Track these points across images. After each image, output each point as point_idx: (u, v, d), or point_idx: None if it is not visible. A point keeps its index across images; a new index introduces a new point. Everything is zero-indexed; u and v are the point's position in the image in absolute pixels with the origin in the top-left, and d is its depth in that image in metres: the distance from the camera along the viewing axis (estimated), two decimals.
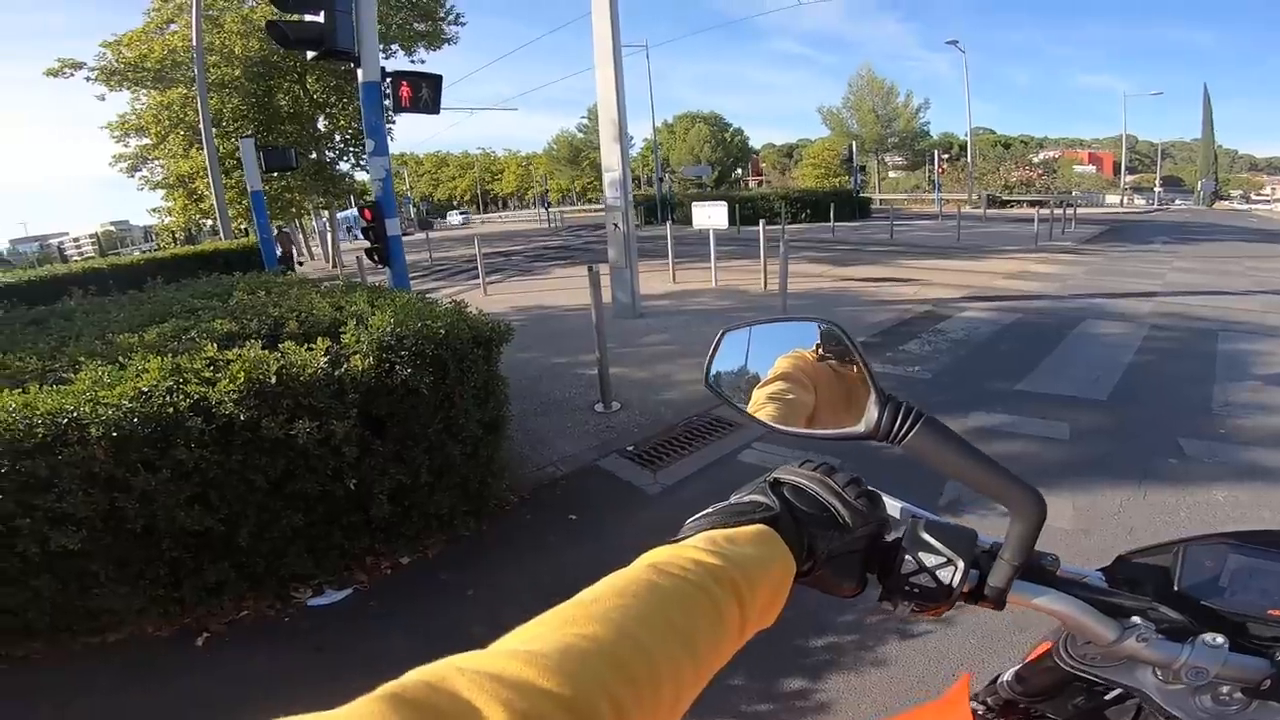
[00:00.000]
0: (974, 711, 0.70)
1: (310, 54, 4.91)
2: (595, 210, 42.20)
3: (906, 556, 0.52)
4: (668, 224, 11.04)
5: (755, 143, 68.28)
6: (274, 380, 2.30)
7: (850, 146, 29.45)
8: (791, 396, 0.58)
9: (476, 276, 10.63)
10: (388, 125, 17.23)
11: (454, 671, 0.28)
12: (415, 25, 16.14)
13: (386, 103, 5.20)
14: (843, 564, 0.51)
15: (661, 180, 27.36)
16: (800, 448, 2.56)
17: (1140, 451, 3.58)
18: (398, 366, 2.52)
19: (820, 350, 0.60)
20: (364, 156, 12.93)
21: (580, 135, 54.16)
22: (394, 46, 15.94)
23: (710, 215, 9.10)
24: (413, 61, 16.70)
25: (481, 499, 3.13)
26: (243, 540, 2.39)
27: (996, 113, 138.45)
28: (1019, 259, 11.96)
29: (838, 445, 0.63)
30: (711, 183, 44.25)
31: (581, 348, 5.74)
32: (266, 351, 2.40)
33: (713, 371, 0.61)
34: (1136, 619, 0.54)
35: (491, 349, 2.98)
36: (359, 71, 4.89)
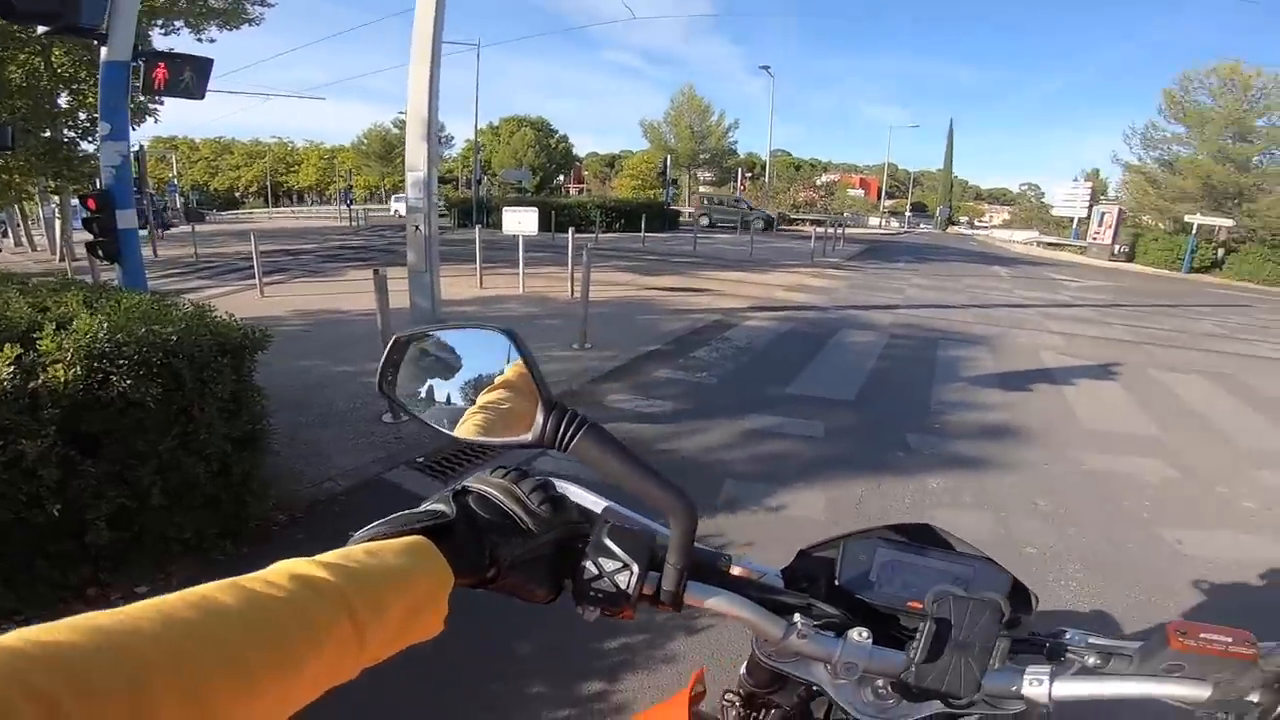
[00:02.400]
0: (727, 702, 0.73)
1: (42, 28, 4.16)
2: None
3: (588, 563, 0.53)
4: (478, 227, 10.76)
5: (580, 150, 69.14)
6: None
7: (665, 160, 31.08)
8: (507, 406, 0.57)
9: (253, 276, 9.50)
10: (154, 105, 14.91)
11: None
12: (211, 2, 14.24)
13: (136, 84, 4.54)
14: (530, 570, 0.52)
15: (479, 183, 26.62)
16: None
17: (877, 446, 4.21)
18: (114, 377, 2.17)
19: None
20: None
21: (395, 130, 51.14)
22: (177, 23, 14.01)
23: (521, 221, 9.06)
24: (200, 39, 14.79)
25: (238, 519, 2.81)
26: None
27: (795, 135, 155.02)
28: (798, 273, 13.51)
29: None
30: (533, 188, 43.90)
31: (370, 355, 5.35)
32: None
33: (388, 376, 0.60)
34: (798, 616, 0.56)
35: (243, 357, 2.69)
36: (103, 50, 4.21)
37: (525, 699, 2.08)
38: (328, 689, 0.38)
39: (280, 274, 11.59)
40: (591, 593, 0.53)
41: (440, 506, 0.50)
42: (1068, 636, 0.59)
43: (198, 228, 19.89)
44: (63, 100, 13.47)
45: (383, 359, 0.59)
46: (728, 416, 4.56)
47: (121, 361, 2.19)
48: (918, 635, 0.55)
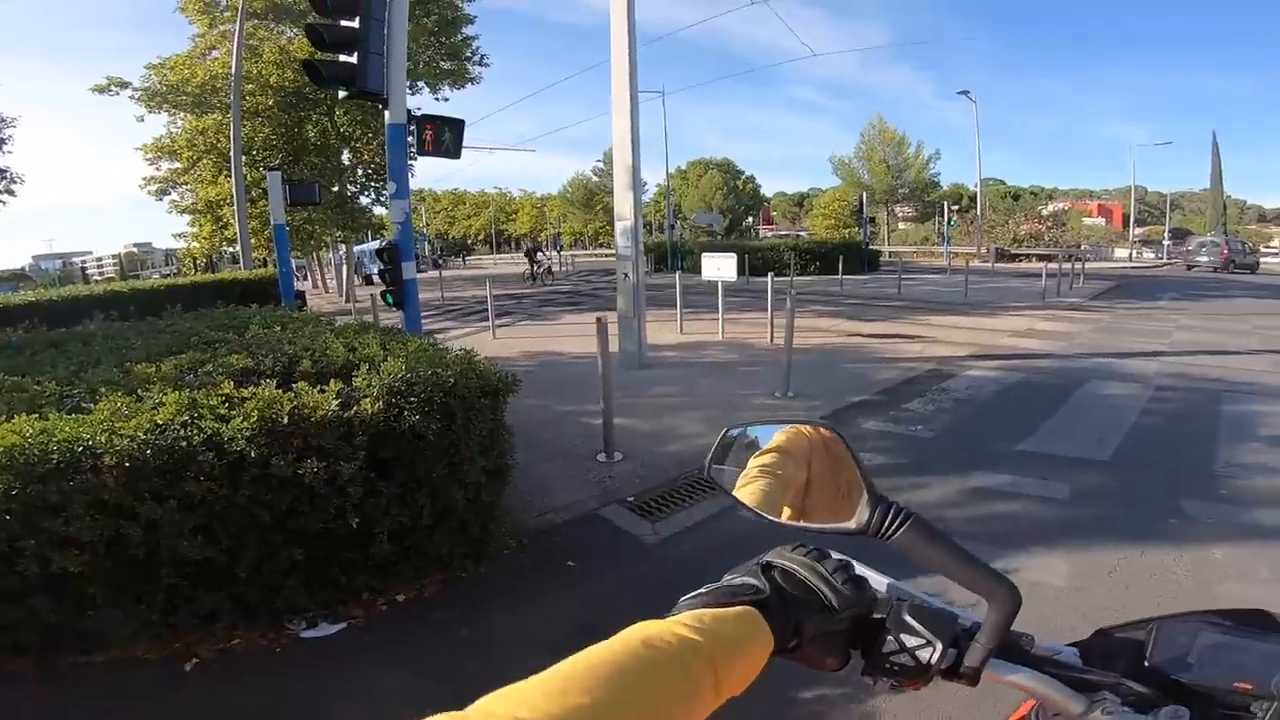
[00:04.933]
0: None
1: (342, 93, 5.16)
2: (605, 255, 42.75)
3: (889, 637, 0.55)
4: (677, 274, 11.20)
5: (767, 190, 69.14)
6: (286, 420, 2.38)
7: (860, 197, 30.00)
8: (780, 472, 0.63)
9: (486, 318, 10.81)
10: (411, 163, 17.88)
11: None
12: (442, 64, 16.78)
13: (410, 143, 5.38)
14: (828, 643, 0.55)
15: (673, 228, 27.91)
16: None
17: (1140, 511, 3.58)
18: (406, 412, 2.59)
19: (820, 430, 0.65)
20: (384, 192, 13.79)
21: (595, 179, 54.66)
22: (420, 84, 16.42)
23: (719, 267, 9.27)
24: (437, 99, 17.28)
25: (481, 542, 3.16)
26: (241, 571, 2.43)
27: (1007, 162, 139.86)
28: (1026, 316, 12.03)
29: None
30: (723, 230, 44.72)
31: (587, 396, 5.80)
32: (280, 391, 2.49)
33: (719, 466, 0.67)
34: (1105, 693, 0.55)
35: (498, 399, 3.06)
36: (386, 113, 5.08)
37: None
38: None
39: (507, 317, 13.06)
40: (889, 665, 0.55)
41: (753, 580, 0.54)
42: None
43: (442, 273, 23.24)
44: (345, 157, 16.68)
45: (714, 447, 0.65)
46: (948, 474, 4.15)
47: (413, 399, 2.60)
48: (1260, 714, 0.53)
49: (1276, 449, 4.54)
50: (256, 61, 14.02)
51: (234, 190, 13.76)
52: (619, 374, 7.18)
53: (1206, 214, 56.80)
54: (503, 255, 61.79)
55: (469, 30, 16.80)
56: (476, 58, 17.16)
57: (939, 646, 0.54)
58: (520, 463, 4.32)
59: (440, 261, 42.48)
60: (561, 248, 37.83)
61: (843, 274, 20.22)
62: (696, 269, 14.69)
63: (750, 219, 56.98)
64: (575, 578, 3.15)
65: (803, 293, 16.71)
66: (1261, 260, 34.01)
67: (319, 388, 2.56)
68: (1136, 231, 52.06)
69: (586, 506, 3.95)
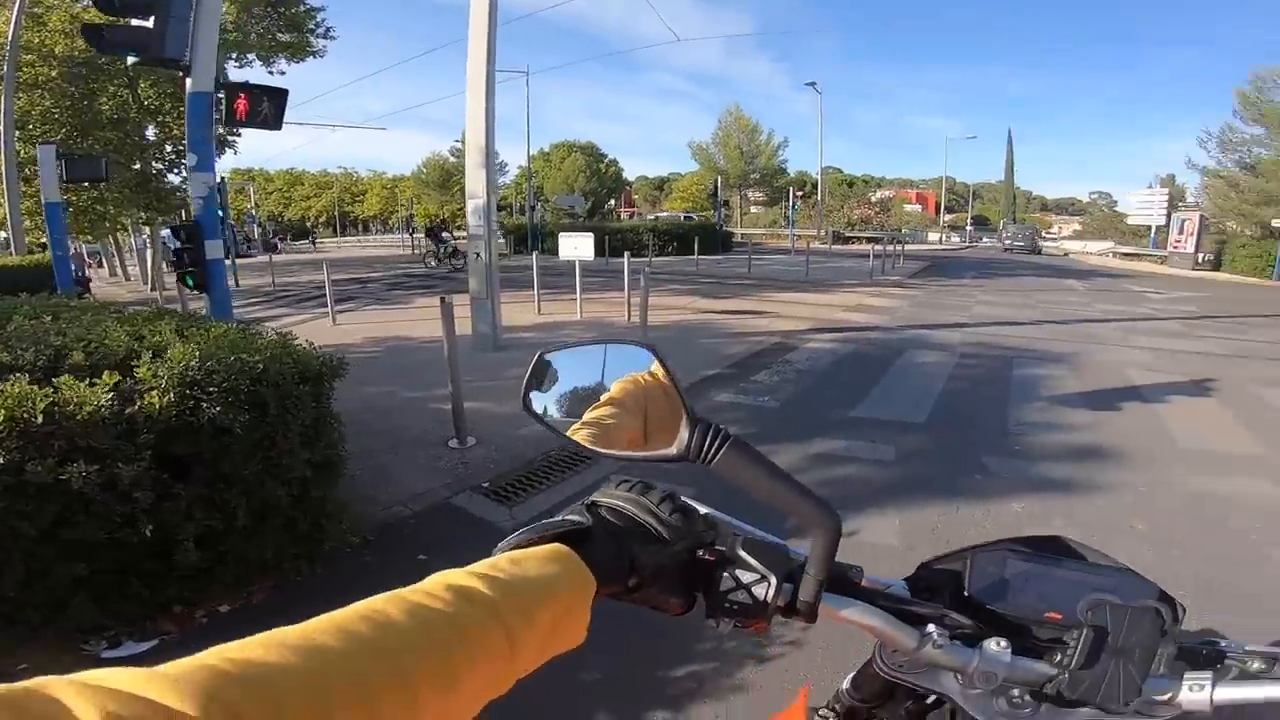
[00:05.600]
0: (822, 718, 0.74)
1: (131, 59, 4.54)
2: (463, 238, 41.00)
3: (724, 574, 0.53)
4: (534, 255, 10.98)
5: (630, 174, 69.90)
6: (41, 420, 1.98)
7: (715, 181, 31.18)
8: (612, 421, 0.59)
9: (325, 304, 9.95)
10: (232, 137, 15.95)
11: (62, 681, 0.27)
12: (279, 35, 15.25)
13: (218, 115, 4.80)
14: (666, 581, 0.53)
15: (534, 209, 27.35)
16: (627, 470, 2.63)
17: (952, 470, 4.01)
18: (205, 404, 2.27)
19: (653, 373, 0.60)
20: None
21: (452, 159, 52.62)
22: (250, 56, 15.08)
23: (576, 246, 9.19)
24: (271, 73, 15.78)
25: (314, 541, 2.88)
26: (9, 591, 2.03)
27: (845, 152, 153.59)
28: (857, 293, 13.20)
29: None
30: (585, 213, 44.68)
31: (437, 381, 5.51)
32: (35, 387, 2.07)
33: (530, 393, 0.62)
34: (932, 626, 0.56)
35: (322, 385, 2.77)
36: (188, 81, 4.50)
37: None
38: (485, 704, 0.38)
39: (350, 302, 12.11)
40: (728, 604, 0.53)
41: (576, 517, 0.51)
42: (1223, 644, 0.58)
43: (274, 257, 21.04)
44: (150, 133, 14.61)
45: (526, 376, 0.60)
46: (792, 441, 4.43)
47: (212, 389, 2.28)
48: (1071, 644, 0.55)
49: (1055, 407, 5.32)
50: (40, 30, 11.84)
51: (3, 168, 11.54)
52: (473, 357, 6.92)
53: (1001, 203, 65.54)
54: (346, 239, 57.43)
55: (314, 1, 15.32)
56: (321, 30, 15.63)
57: (773, 580, 0.53)
58: (361, 453, 4.00)
59: (274, 244, 38.67)
60: (414, 229, 35.53)
61: (698, 254, 20.97)
62: (557, 250, 14.61)
63: (613, 202, 57.33)
64: (427, 571, 2.95)
65: (660, 273, 17.16)
66: (1042, 244, 41.23)
67: (89, 381, 2.16)
68: (946, 218, 58.84)
69: (438, 496, 3.74)
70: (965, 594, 0.61)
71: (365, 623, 0.35)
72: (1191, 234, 26.66)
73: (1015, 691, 0.57)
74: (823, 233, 39.87)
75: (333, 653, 0.32)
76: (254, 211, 52.75)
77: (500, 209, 51.92)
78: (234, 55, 14.78)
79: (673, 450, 0.54)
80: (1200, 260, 26.42)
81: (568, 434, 0.60)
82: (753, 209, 57.80)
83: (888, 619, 0.56)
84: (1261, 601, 2.59)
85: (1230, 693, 0.53)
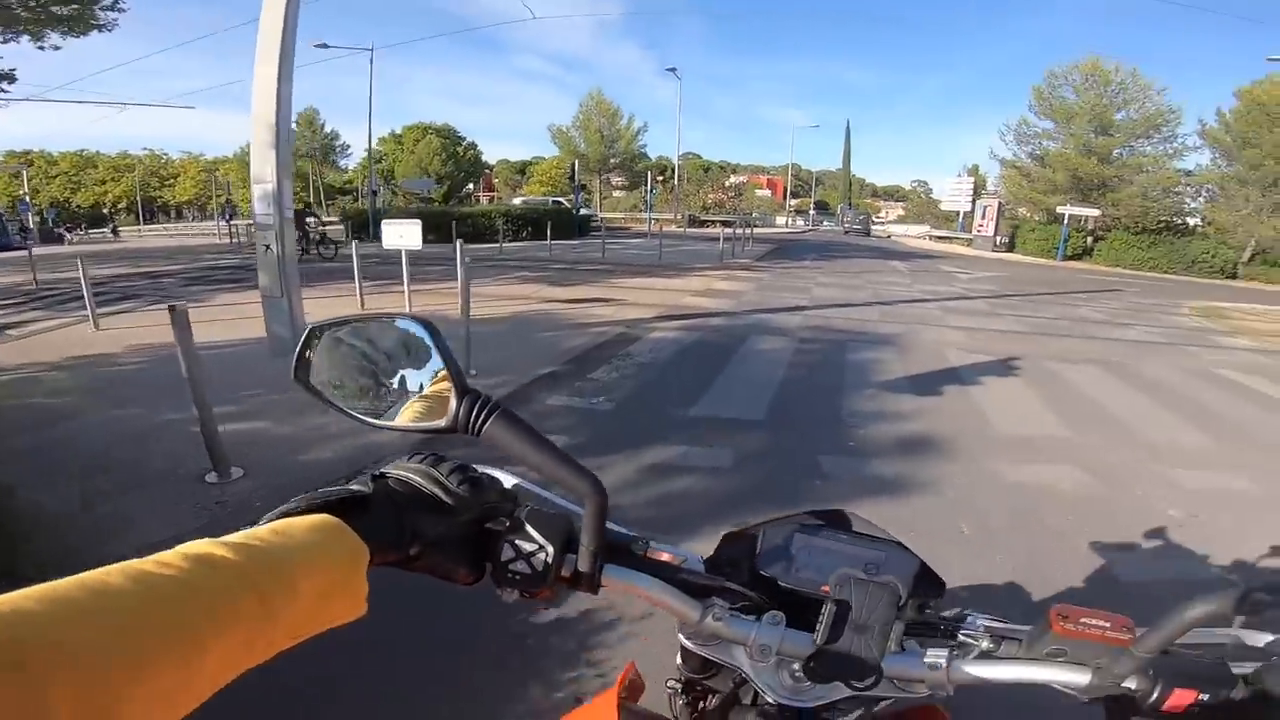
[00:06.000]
0: (670, 690, 0.71)
1: None
2: (331, 222, 37.23)
3: (506, 544, 0.54)
4: (354, 243, 9.77)
5: (491, 158, 68.16)
6: None
7: (573, 165, 30.50)
8: (426, 395, 0.57)
9: (106, 304, 8.20)
10: None
11: None
12: (54, 8, 12.75)
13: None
14: (451, 550, 0.53)
15: (375, 193, 24.93)
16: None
17: (790, 474, 3.81)
18: None
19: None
20: None
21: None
22: (20, 30, 12.99)
23: (402, 234, 8.22)
24: (41, 47, 13.51)
25: None
26: None
27: (704, 138, 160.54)
28: (707, 276, 13.28)
29: None
30: (440, 197, 42.24)
31: (216, 396, 4.57)
32: None
33: (306, 366, 0.58)
34: (715, 598, 0.58)
35: None
36: None
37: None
38: (242, 671, 0.37)
39: (132, 301, 10.18)
40: (510, 574, 0.54)
41: (356, 486, 0.50)
42: (968, 620, 0.59)
43: (55, 249, 17.43)
44: None
45: (297, 348, 0.58)
46: (625, 450, 4.03)
47: None
48: (821, 617, 0.55)
49: (884, 394, 5.39)
50: None
51: None
52: (267, 365, 5.91)
53: (839, 189, 71.13)
54: (152, 227, 50.26)
55: None
56: (107, 2, 13.29)
57: (551, 550, 0.54)
58: (97, 494, 3.27)
59: (59, 234, 32.95)
60: (232, 216, 31.10)
61: (551, 239, 20.30)
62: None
63: (471, 186, 55.09)
64: None
65: (512, 259, 16.32)
66: (872, 227, 46.16)
67: None
68: (792, 203, 62.70)
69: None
70: (755, 568, 0.63)
71: (79, 589, 0.32)
72: (991, 219, 30.21)
73: (796, 666, 0.56)
74: (680, 217, 40.69)
75: (33, 614, 0.30)
76: (28, 199, 44.61)
77: (344, 193, 48.02)
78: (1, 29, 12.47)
79: (443, 422, 0.53)
80: (998, 243, 30.04)
81: (343, 407, 0.58)
82: (615, 193, 57.86)
83: (670, 591, 0.57)
84: (1075, 596, 2.56)
85: (963, 671, 0.54)
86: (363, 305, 8.78)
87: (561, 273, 13.61)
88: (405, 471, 0.54)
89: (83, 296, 11.28)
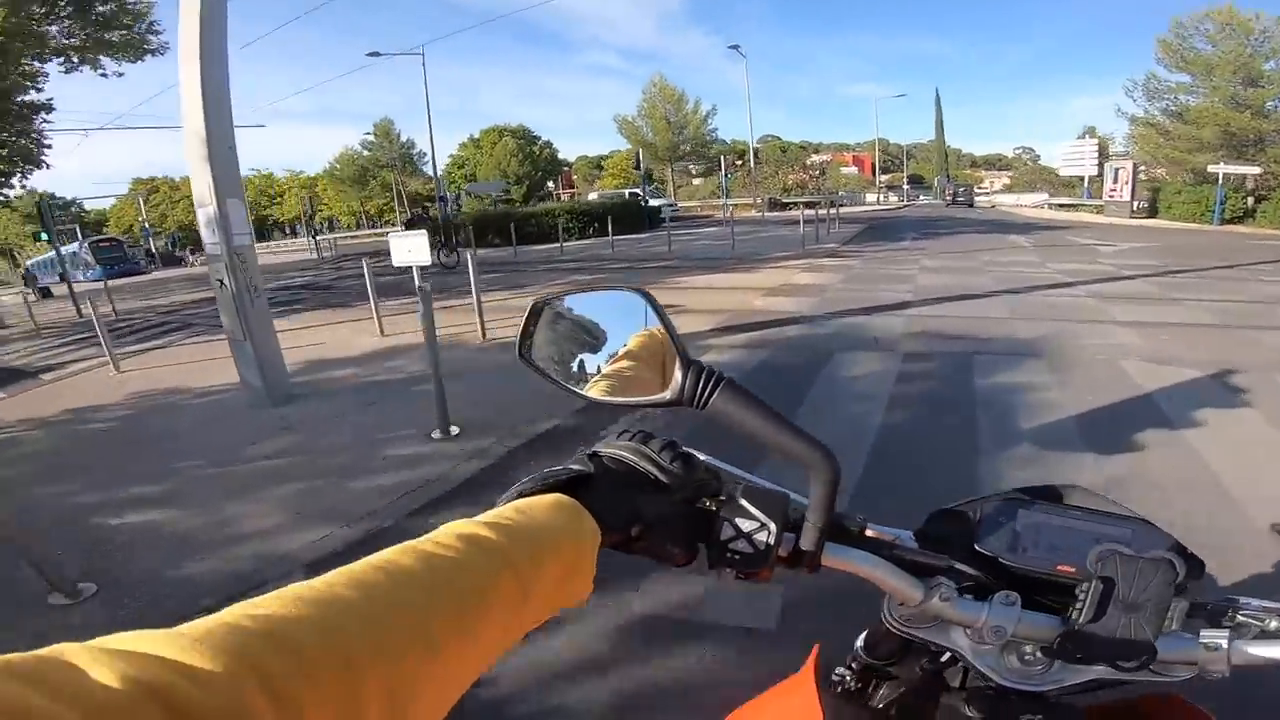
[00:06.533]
0: (838, 678, 0.69)
1: None
2: (378, 235, 38.40)
3: (725, 523, 0.51)
4: (365, 261, 8.63)
5: (570, 155, 69.00)
6: None
7: (638, 154, 28.99)
8: (630, 374, 0.57)
9: (169, 335, 7.59)
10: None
11: (78, 647, 0.25)
12: (106, 35, 13.17)
13: None
14: (668, 530, 0.51)
15: (443, 200, 24.26)
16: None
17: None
18: None
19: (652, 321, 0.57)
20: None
21: (365, 153, 49.95)
22: (73, 59, 13.35)
23: (410, 250, 7.05)
24: (102, 74, 14.00)
25: None
26: None
27: (783, 120, 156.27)
28: (785, 268, 11.41)
29: None
30: (520, 198, 42.16)
31: (148, 474, 3.71)
32: None
33: (528, 344, 0.59)
34: (939, 578, 0.54)
35: None
36: None
37: None
38: (500, 654, 0.37)
39: (178, 334, 9.73)
40: (729, 554, 0.51)
41: (578, 466, 0.49)
42: (1242, 603, 0.54)
43: (176, 271, 17.96)
44: None
45: (521, 326, 0.58)
46: (621, 592, 2.48)
47: None
48: (1080, 596, 0.51)
49: (1045, 453, 3.52)
50: None
51: None
52: (239, 419, 4.86)
53: (934, 161, 66.15)
54: (262, 245, 53.64)
55: None
56: (145, 26, 13.75)
57: (773, 528, 0.51)
58: None
59: (180, 257, 35.25)
60: (317, 231, 31.84)
61: (618, 234, 18.94)
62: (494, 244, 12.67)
63: (550, 184, 55.19)
64: None
65: (567, 260, 15.07)
66: (975, 199, 42.50)
67: None
68: (882, 178, 58.42)
69: None
70: (974, 546, 0.59)
71: (380, 573, 0.33)
72: (1126, 182, 25.98)
73: (1027, 648, 0.54)
74: (758, 201, 38.32)
75: (350, 604, 0.31)
76: (147, 225, 48.55)
77: (430, 200, 49.27)
78: (60, 60, 12.88)
79: (668, 395, 0.52)
80: (1136, 208, 25.79)
81: (563, 382, 0.59)
82: (694, 181, 56.02)
83: (893, 570, 0.54)
84: None
85: (1249, 652, 0.50)
86: (383, 331, 7.66)
87: (619, 272, 12.19)
88: (619, 449, 0.52)
89: (152, 326, 11.03)
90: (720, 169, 43.58)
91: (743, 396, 0.50)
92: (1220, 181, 22.66)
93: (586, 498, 0.45)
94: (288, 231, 65.13)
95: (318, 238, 28.57)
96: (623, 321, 0.58)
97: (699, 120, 41.59)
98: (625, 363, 0.57)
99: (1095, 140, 33.54)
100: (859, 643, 0.67)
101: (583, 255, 15.64)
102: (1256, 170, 22.67)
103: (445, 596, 0.34)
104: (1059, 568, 0.55)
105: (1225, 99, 23.40)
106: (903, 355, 5.36)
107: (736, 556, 0.51)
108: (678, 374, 0.51)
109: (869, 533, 0.56)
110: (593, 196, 41.21)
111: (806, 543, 0.51)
